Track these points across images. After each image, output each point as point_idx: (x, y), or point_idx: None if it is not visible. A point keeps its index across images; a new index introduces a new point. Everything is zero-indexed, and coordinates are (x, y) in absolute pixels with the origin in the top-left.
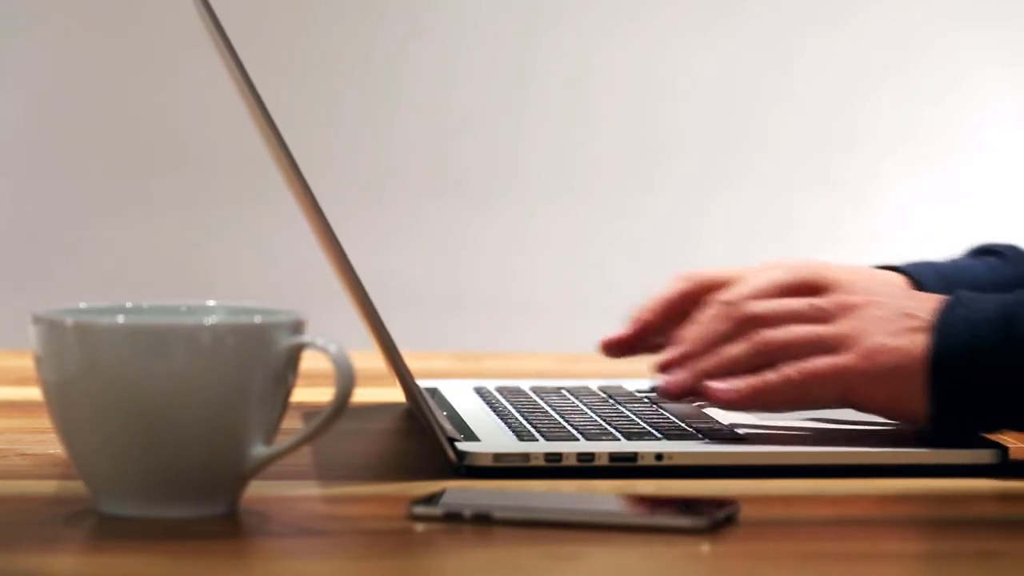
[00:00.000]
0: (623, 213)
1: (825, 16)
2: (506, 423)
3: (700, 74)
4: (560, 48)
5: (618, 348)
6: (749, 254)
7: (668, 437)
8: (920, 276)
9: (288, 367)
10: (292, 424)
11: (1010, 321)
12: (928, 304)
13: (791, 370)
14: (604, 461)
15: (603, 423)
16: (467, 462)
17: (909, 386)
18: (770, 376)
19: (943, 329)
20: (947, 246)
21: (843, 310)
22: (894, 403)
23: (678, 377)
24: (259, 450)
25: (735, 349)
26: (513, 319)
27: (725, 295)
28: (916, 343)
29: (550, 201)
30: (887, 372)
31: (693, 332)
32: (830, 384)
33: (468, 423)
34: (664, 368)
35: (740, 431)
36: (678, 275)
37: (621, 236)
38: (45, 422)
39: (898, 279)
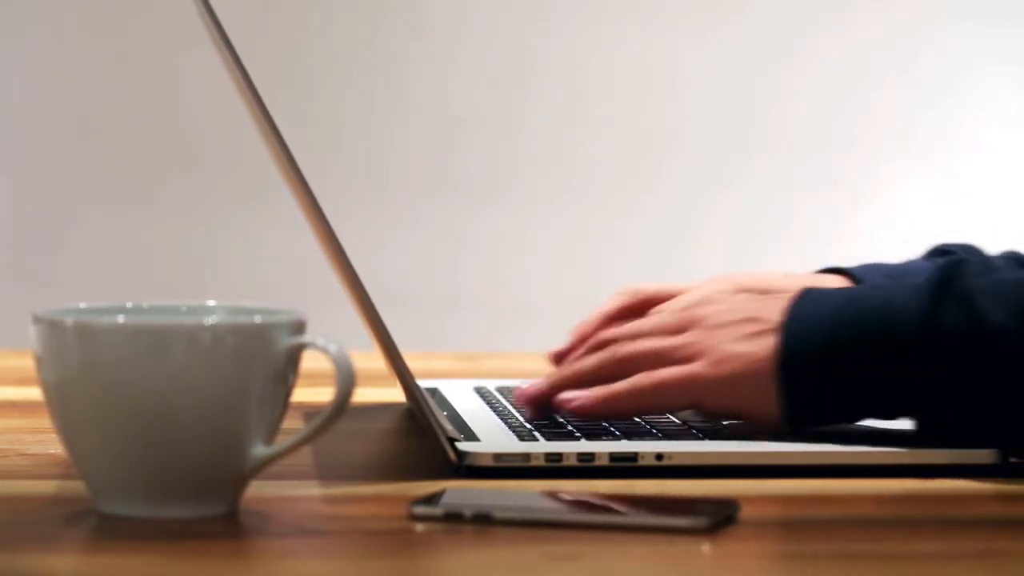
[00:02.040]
0: (623, 213)
1: (825, 16)
2: (506, 423)
3: (700, 74)
4: (560, 48)
5: (558, 360)
6: (749, 254)
7: (668, 437)
8: (867, 278)
9: (288, 367)
10: (292, 424)
11: (858, 308)
12: (776, 306)
13: (642, 377)
14: (604, 461)
15: (603, 423)
16: (467, 462)
17: (759, 390)
18: (620, 384)
19: (788, 328)
20: None
21: (691, 323)
22: (747, 408)
23: (534, 386)
24: (259, 450)
25: (590, 361)
26: (513, 319)
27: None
28: (763, 347)
29: (550, 201)
30: (736, 378)
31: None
32: (681, 392)
33: (468, 423)
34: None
35: (740, 431)
36: (620, 290)
37: (621, 236)
38: (45, 422)
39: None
